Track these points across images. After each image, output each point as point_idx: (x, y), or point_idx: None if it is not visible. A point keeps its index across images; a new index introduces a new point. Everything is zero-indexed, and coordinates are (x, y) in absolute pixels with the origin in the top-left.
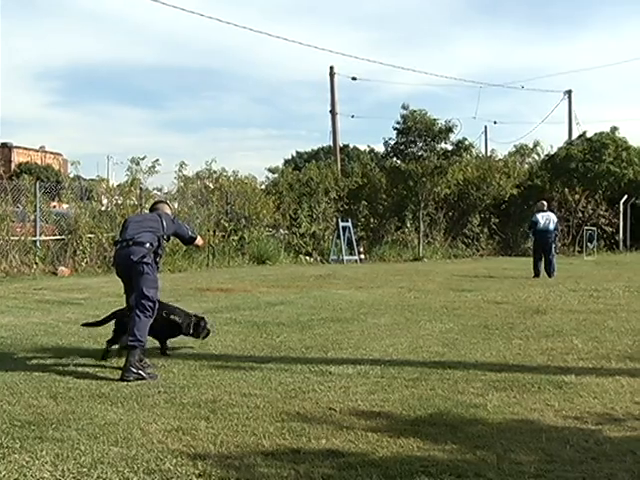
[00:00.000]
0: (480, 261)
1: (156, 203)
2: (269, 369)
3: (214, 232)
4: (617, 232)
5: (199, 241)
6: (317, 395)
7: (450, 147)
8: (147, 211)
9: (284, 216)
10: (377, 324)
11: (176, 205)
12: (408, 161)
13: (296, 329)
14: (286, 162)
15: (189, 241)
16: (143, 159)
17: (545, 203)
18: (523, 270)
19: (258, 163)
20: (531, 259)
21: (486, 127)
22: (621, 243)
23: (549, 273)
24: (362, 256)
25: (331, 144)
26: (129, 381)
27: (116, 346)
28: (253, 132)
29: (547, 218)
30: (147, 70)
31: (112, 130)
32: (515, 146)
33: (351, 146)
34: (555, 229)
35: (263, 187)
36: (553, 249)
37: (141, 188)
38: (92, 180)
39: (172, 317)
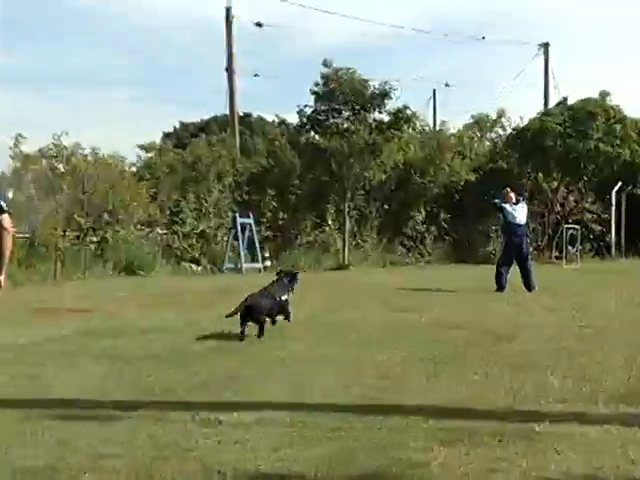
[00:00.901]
0: (426, 270)
1: None
2: (137, 418)
3: (64, 232)
4: (608, 232)
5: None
6: (202, 453)
7: (386, 118)
8: None
9: (162, 210)
10: (288, 354)
11: (10, 194)
12: (330, 136)
13: (176, 363)
14: (166, 136)
15: None
16: None
17: (512, 194)
18: (483, 282)
19: (127, 137)
20: (494, 267)
21: (435, 92)
22: (613, 246)
23: (529, 285)
24: (268, 263)
25: (227, 113)
26: None
27: None
28: (119, 94)
29: (521, 210)
30: None
31: None
32: (473, 117)
33: (254, 115)
34: (527, 225)
35: (134, 170)
36: (528, 250)
37: None
38: None
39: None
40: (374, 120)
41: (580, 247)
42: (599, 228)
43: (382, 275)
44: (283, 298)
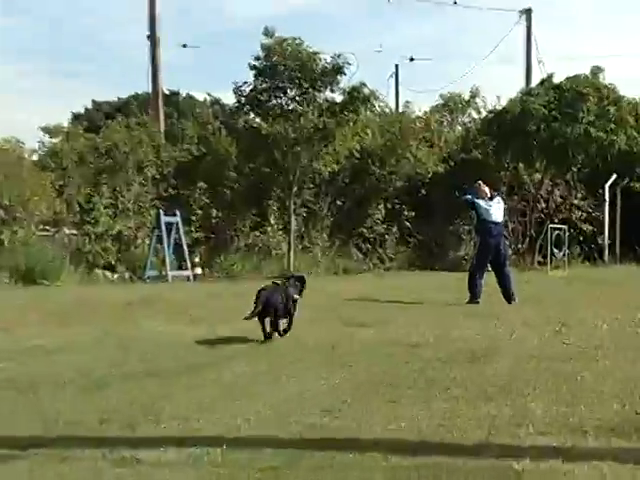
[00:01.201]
0: (386, 278)
1: None
2: (40, 456)
3: None
4: (600, 233)
5: None
6: None
7: (339, 98)
8: None
9: (70, 207)
10: (220, 378)
11: None
12: (273, 119)
13: (86, 390)
14: (75, 118)
15: None
16: None
17: (487, 188)
18: (454, 292)
19: (27, 118)
20: (466, 274)
21: (397, 67)
22: (606, 250)
23: (508, 296)
24: (198, 270)
25: (149, 90)
26: None
27: None
28: (17, 66)
29: (497, 206)
30: None
31: None
32: (442, 97)
33: (182, 94)
34: (504, 224)
35: (35, 158)
36: (506, 252)
37: None
38: None
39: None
40: (325, 100)
41: (568, 251)
42: (590, 228)
43: (334, 284)
44: (295, 297)
